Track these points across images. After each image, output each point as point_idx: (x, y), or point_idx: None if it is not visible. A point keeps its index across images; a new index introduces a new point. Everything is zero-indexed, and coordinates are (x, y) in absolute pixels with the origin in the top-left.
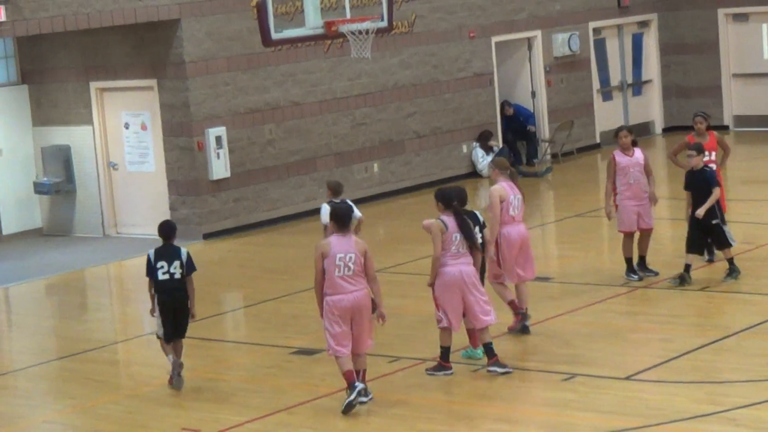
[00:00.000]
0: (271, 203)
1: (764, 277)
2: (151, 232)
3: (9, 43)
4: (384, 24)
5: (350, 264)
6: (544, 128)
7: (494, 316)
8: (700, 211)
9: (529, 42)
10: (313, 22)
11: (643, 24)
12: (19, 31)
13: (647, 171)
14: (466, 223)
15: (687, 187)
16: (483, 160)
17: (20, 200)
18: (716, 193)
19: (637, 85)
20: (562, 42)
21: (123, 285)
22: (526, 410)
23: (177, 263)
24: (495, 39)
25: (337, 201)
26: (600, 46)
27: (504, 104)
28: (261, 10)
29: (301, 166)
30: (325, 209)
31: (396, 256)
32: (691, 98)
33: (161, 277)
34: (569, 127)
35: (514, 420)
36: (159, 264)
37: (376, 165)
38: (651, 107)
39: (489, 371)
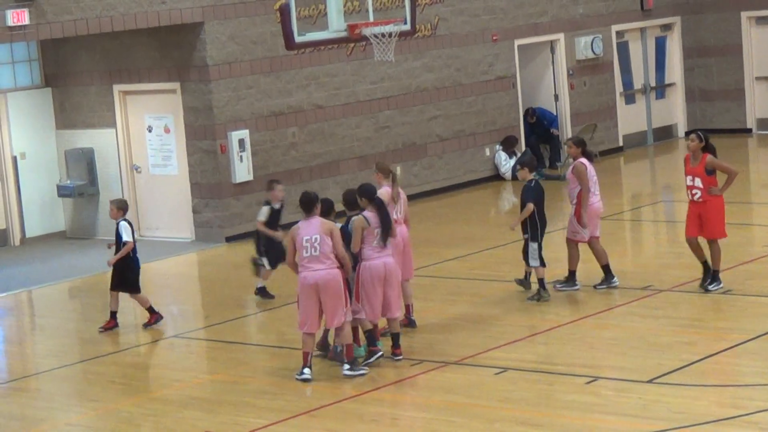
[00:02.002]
0: (293, 206)
1: None
2: (174, 234)
3: (33, 46)
4: (407, 27)
5: (316, 245)
6: (566, 131)
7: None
8: (513, 224)
9: (552, 45)
10: (336, 25)
11: (667, 27)
12: (42, 35)
13: (580, 183)
14: (389, 218)
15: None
16: (506, 163)
17: (44, 203)
18: (528, 207)
19: (660, 88)
20: (585, 45)
21: (146, 287)
22: (549, 413)
23: None
24: (518, 42)
25: (127, 219)
26: (623, 49)
27: (527, 112)
28: (284, 13)
29: (324, 170)
30: (125, 227)
31: (419, 260)
32: (714, 101)
33: None
34: (592, 130)
35: (537, 423)
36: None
37: (399, 168)
38: (674, 110)
39: (395, 359)
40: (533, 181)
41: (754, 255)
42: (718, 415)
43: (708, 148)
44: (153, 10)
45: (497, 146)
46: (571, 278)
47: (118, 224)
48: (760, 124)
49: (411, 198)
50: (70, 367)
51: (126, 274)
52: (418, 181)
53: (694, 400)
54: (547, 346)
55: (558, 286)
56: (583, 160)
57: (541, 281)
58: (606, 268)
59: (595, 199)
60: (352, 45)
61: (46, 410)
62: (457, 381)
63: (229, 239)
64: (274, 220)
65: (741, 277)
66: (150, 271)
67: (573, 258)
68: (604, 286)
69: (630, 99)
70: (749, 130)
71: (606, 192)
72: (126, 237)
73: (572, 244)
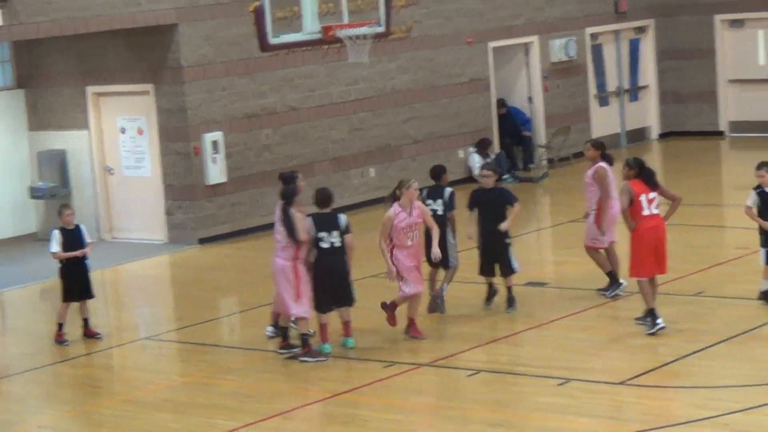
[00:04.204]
0: (267, 208)
1: (757, 283)
2: (147, 236)
3: (5, 47)
4: (381, 29)
5: (280, 236)
6: (540, 133)
7: (302, 311)
8: (504, 225)
9: (526, 47)
10: (310, 27)
11: (640, 30)
12: (15, 36)
13: (600, 188)
14: (287, 219)
15: (473, 206)
16: (479, 165)
17: (15, 205)
18: (517, 207)
19: (634, 91)
20: (559, 47)
21: (118, 290)
22: (522, 415)
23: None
24: (492, 44)
25: (69, 229)
26: (597, 51)
27: (498, 103)
28: (259, 15)
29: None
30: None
31: None
32: (687, 104)
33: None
34: (566, 132)
35: (510, 425)
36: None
37: (372, 170)
38: (647, 113)
39: (300, 359)
40: (498, 187)
41: (727, 257)
42: (690, 416)
43: (641, 174)
44: (127, 12)
45: (471, 148)
46: (613, 280)
47: (79, 227)
48: (732, 127)
49: (384, 200)
50: (41, 369)
51: (84, 279)
52: (392, 183)
53: (667, 402)
54: (519, 347)
55: (607, 293)
56: (603, 164)
57: (510, 288)
58: (611, 275)
59: (615, 204)
60: (326, 47)
61: (17, 413)
62: (430, 383)
63: (202, 241)
64: None
65: (713, 280)
66: (122, 273)
67: (602, 263)
68: (612, 293)
69: (604, 101)
70: (721, 133)
71: (580, 194)
72: (89, 238)
73: (592, 251)
